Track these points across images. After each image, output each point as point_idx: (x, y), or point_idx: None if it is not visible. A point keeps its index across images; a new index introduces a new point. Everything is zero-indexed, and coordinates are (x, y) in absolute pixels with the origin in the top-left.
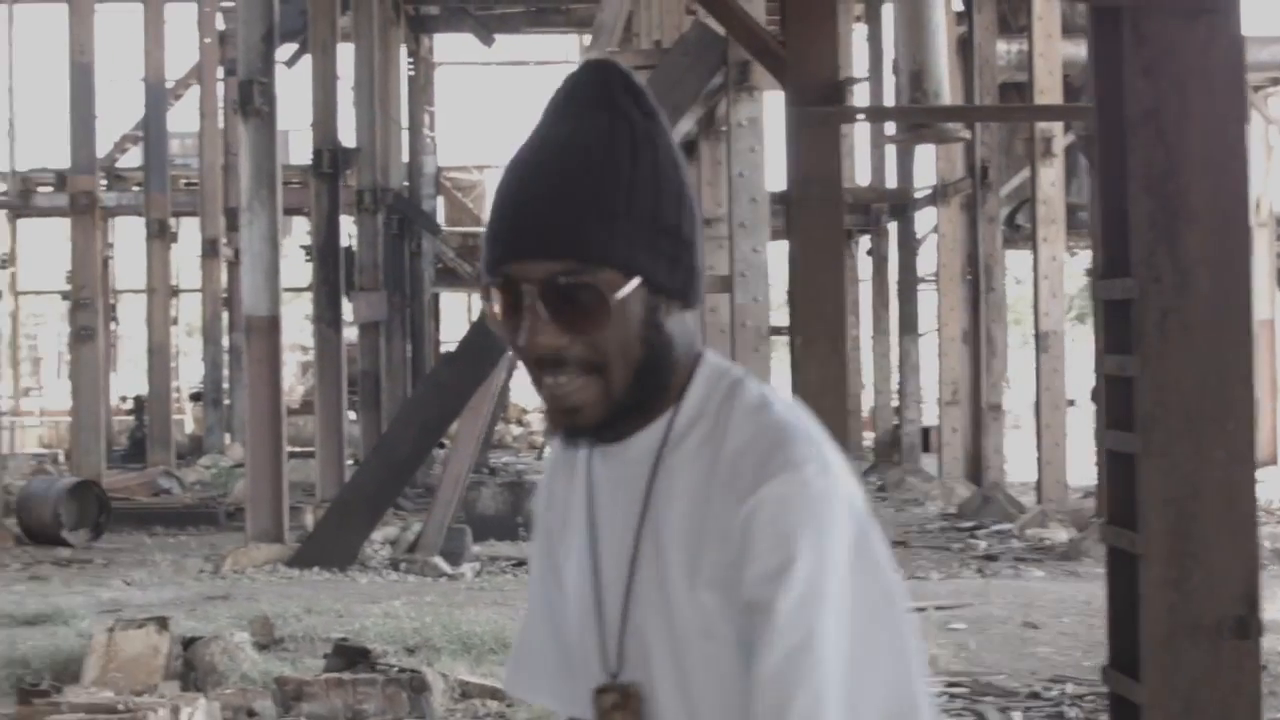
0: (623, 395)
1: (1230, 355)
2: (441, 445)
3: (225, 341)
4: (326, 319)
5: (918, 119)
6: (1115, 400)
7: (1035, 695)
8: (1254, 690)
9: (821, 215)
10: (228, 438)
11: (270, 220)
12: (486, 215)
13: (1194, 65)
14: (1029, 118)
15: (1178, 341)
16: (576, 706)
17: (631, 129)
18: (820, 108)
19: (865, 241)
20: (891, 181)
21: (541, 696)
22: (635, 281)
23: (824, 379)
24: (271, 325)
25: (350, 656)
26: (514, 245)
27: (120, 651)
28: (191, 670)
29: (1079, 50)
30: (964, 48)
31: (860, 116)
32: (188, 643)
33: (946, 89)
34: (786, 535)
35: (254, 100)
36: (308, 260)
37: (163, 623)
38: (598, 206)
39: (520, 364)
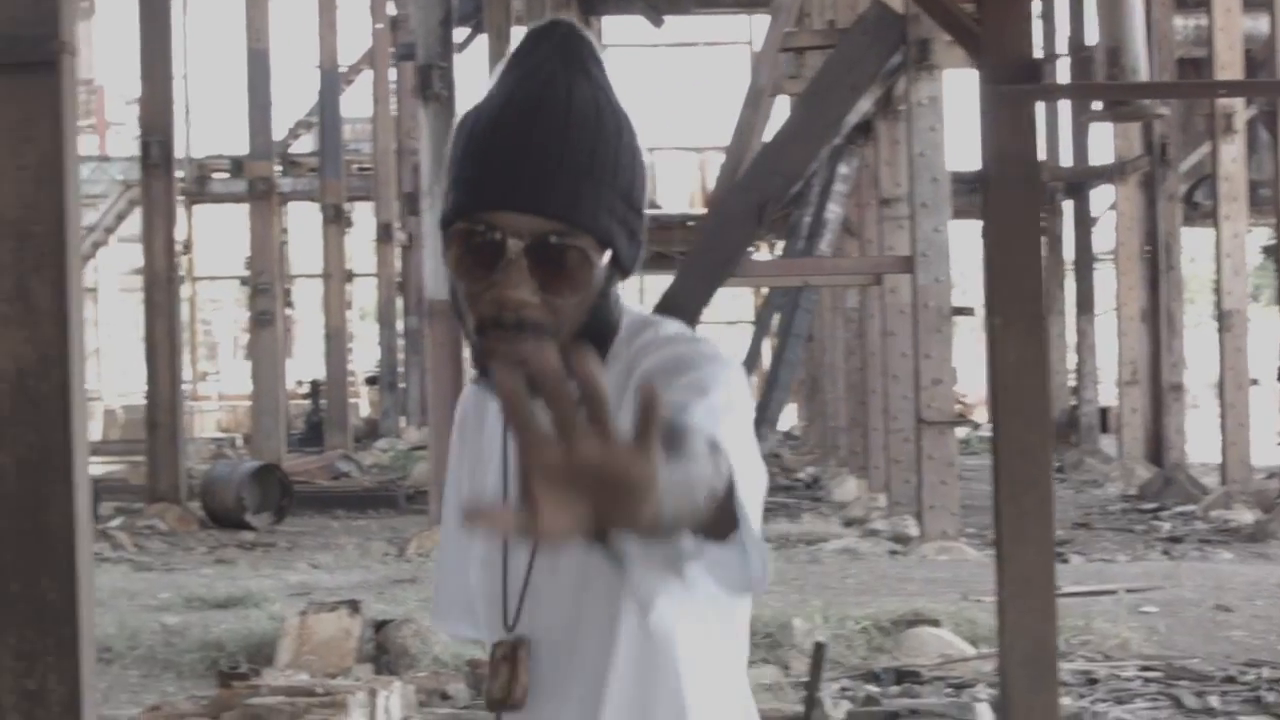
0: (567, 349)
1: None
2: None
3: (400, 325)
4: None
5: (1116, 96)
6: None
7: (1231, 679)
8: None
9: (1018, 195)
10: (403, 421)
11: None
12: (477, 157)
13: None
14: (1231, 93)
15: None
16: (493, 633)
17: (610, 100)
18: (1016, 85)
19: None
20: (1066, 160)
21: (463, 628)
22: (609, 253)
23: (1023, 360)
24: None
25: None
26: (507, 196)
27: (313, 634)
28: (383, 653)
29: (1258, 25)
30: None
31: (1058, 95)
32: (379, 626)
33: (1144, 65)
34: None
35: (433, 85)
36: None
37: (354, 606)
38: (592, 174)
39: (465, 307)
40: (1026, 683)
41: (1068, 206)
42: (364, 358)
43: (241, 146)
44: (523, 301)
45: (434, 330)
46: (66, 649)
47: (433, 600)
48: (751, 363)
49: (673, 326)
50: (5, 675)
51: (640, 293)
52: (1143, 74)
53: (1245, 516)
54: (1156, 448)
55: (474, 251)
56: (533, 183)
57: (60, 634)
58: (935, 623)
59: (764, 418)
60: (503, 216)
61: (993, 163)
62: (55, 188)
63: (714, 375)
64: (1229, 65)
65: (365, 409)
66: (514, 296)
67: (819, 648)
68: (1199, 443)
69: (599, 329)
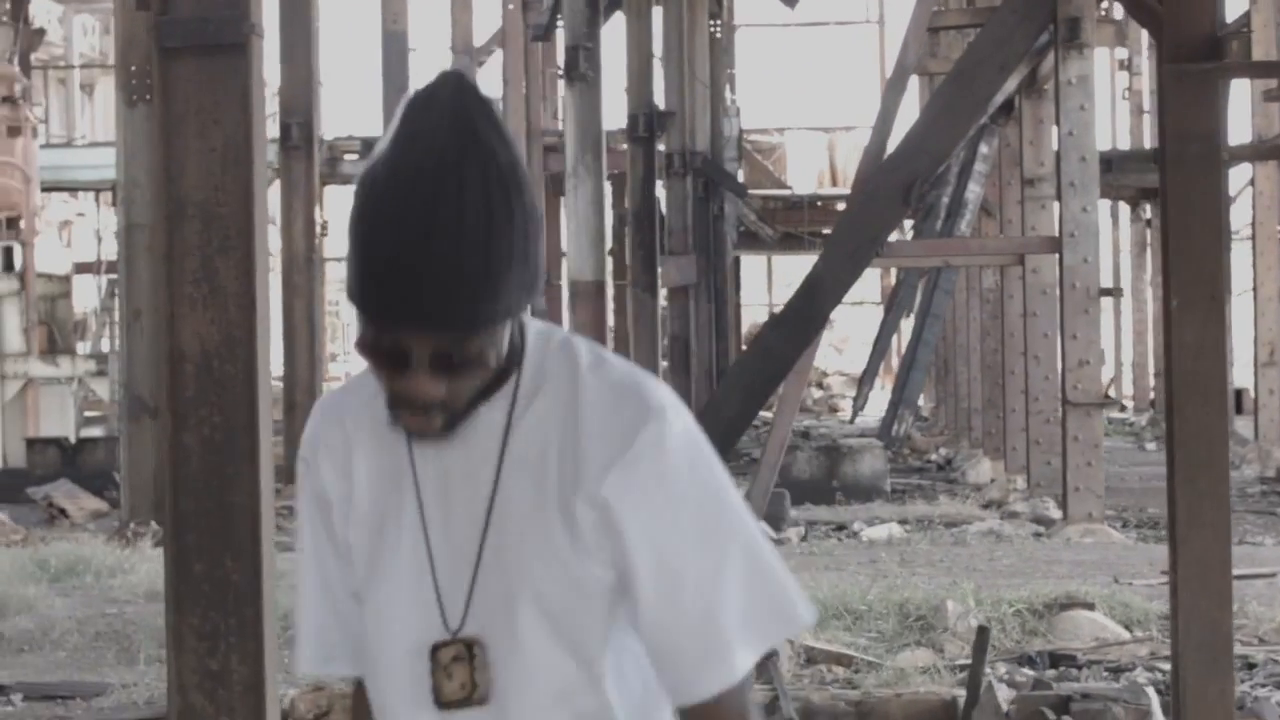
0: (462, 416)
1: None
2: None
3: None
4: (642, 283)
5: None
6: None
7: None
8: None
9: (1200, 175)
10: None
11: (596, 185)
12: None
13: None
14: None
15: None
16: (365, 668)
17: (501, 171)
18: (1199, 64)
19: None
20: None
21: (337, 667)
22: (508, 323)
23: (1201, 342)
24: (597, 290)
25: None
26: (405, 318)
27: None
28: None
29: None
30: None
31: (1242, 73)
32: None
33: None
34: (662, 488)
35: (579, 65)
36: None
37: None
38: (488, 276)
39: (380, 385)
40: (1201, 667)
41: None
42: None
43: (372, 128)
44: (430, 396)
45: (577, 311)
46: (249, 630)
47: (298, 647)
48: (884, 345)
49: (585, 348)
50: (188, 655)
51: (769, 274)
52: None
53: None
54: None
55: (378, 356)
56: (433, 305)
57: (243, 614)
58: (1089, 606)
59: (902, 399)
60: (406, 338)
61: (1174, 142)
62: (242, 170)
63: (690, 499)
64: None
65: None
66: (422, 394)
67: (982, 631)
68: None
69: (501, 370)
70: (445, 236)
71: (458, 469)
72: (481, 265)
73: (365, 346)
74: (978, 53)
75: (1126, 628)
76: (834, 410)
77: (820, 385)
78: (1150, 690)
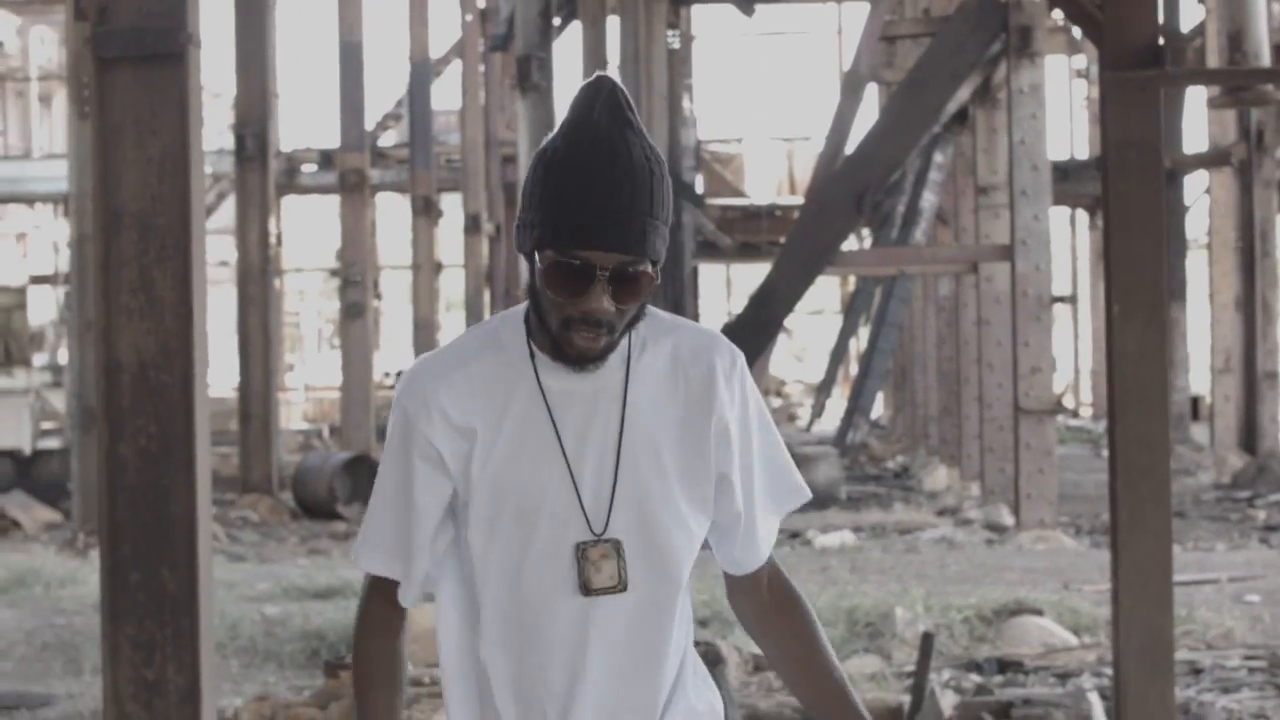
0: (616, 342)
1: None
2: None
3: (487, 316)
4: None
5: (1241, 81)
6: None
7: None
8: None
9: (1140, 182)
10: None
11: None
12: (566, 194)
13: None
14: None
15: None
16: (404, 572)
17: (649, 145)
18: (1140, 72)
19: None
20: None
21: (379, 567)
22: (657, 268)
23: (1143, 349)
24: None
25: None
26: (597, 238)
27: (414, 624)
28: None
29: None
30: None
31: (1182, 81)
32: None
33: (1267, 51)
34: (748, 398)
35: (532, 75)
36: None
37: None
38: (651, 214)
39: (547, 308)
40: (1142, 672)
41: None
42: None
43: (327, 139)
44: (605, 311)
45: None
46: (185, 639)
47: (366, 546)
48: (840, 353)
49: (660, 312)
50: (124, 665)
51: (728, 283)
52: (1265, 59)
53: None
54: (1249, 436)
55: (565, 275)
56: (616, 227)
57: (179, 624)
58: (1038, 612)
59: (857, 406)
60: (593, 255)
61: (1114, 150)
62: (179, 180)
63: (756, 401)
64: None
65: None
66: (599, 309)
67: (927, 638)
68: None
69: (640, 315)
70: (624, 182)
71: (590, 409)
72: (648, 207)
73: (555, 274)
74: (930, 62)
75: (1075, 634)
76: (793, 419)
77: (779, 394)
78: (1093, 695)
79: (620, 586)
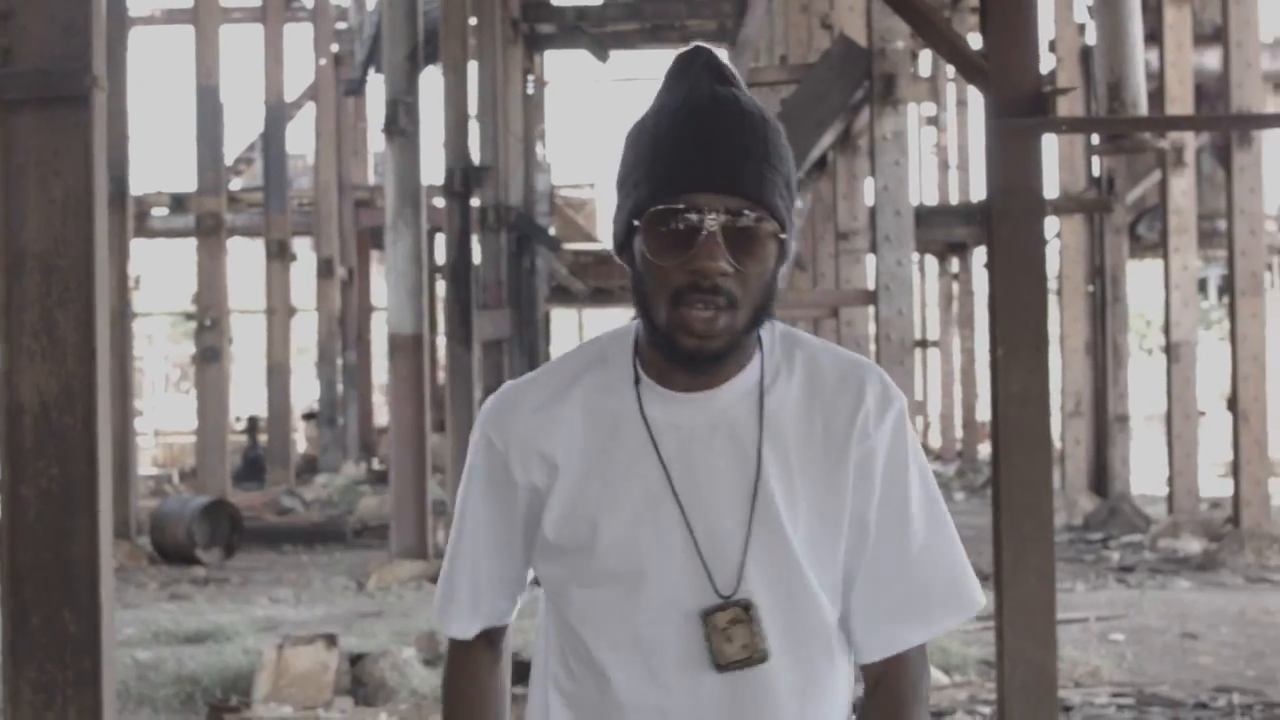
0: (743, 331)
1: None
2: None
3: (339, 361)
4: (458, 337)
5: (1123, 129)
6: None
7: (1202, 705)
8: None
9: (1024, 227)
10: (341, 456)
11: (415, 239)
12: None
13: None
14: (1232, 126)
15: None
16: (491, 622)
17: (754, 101)
18: (1023, 119)
19: (981, 254)
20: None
21: (463, 630)
22: (781, 232)
23: (1026, 391)
24: (415, 343)
25: (522, 671)
26: (705, 179)
27: (290, 667)
28: (361, 686)
29: (1204, 60)
30: (1086, 59)
31: (1065, 128)
32: (355, 659)
33: (1144, 99)
34: (904, 441)
35: (399, 120)
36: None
37: (331, 639)
38: (768, 161)
39: (653, 290)
40: (1026, 709)
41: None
42: (299, 394)
43: (186, 182)
44: (719, 269)
45: (396, 364)
46: (87, 681)
47: (449, 606)
48: None
49: (807, 335)
50: (25, 708)
51: (580, 328)
52: (1143, 108)
53: (1193, 546)
54: (1099, 478)
55: (670, 233)
56: (725, 166)
57: (81, 666)
58: None
59: None
60: (699, 198)
61: (998, 195)
62: (82, 222)
63: (918, 470)
64: (1179, 99)
65: (302, 445)
66: (711, 265)
67: None
68: (1140, 473)
69: (766, 303)
70: (732, 123)
71: (706, 445)
72: (763, 152)
73: (656, 231)
74: (795, 109)
75: (945, 673)
76: None
77: None
78: None
79: (758, 657)
